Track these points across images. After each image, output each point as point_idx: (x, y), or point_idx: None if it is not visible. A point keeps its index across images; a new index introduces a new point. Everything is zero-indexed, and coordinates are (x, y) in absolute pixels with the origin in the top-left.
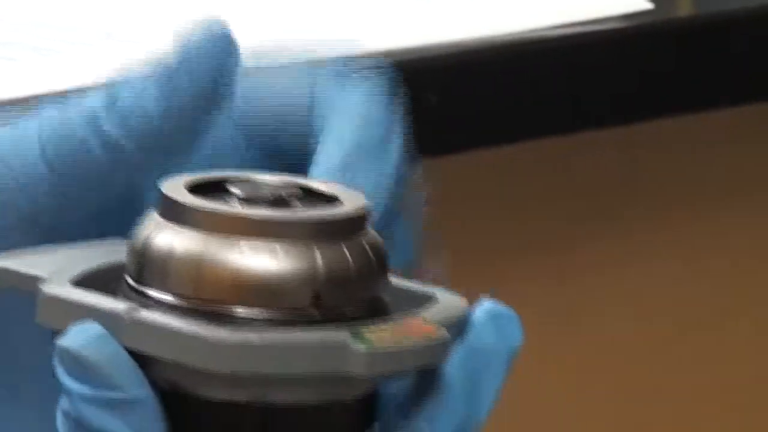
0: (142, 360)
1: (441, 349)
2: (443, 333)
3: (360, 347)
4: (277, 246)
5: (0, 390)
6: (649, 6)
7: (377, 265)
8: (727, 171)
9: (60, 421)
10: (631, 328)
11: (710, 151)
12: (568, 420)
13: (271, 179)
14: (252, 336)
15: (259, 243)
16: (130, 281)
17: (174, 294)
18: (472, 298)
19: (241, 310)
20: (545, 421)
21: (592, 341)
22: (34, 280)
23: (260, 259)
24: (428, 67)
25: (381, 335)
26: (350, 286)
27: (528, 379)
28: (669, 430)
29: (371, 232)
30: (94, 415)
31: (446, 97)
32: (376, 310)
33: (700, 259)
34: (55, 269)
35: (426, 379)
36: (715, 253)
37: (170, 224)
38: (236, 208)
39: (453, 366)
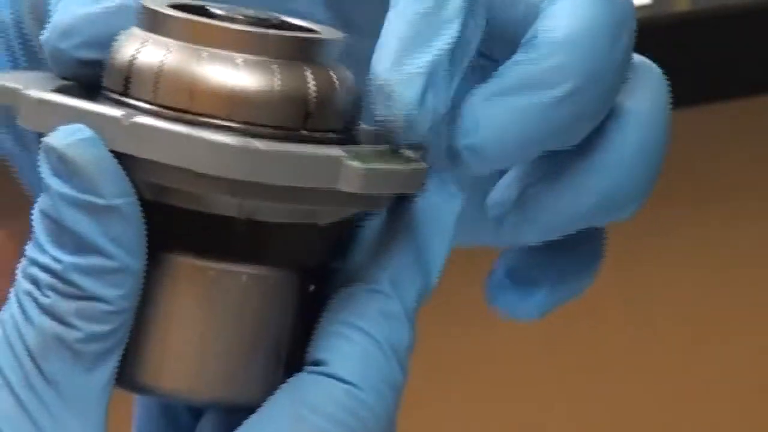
0: (127, 169)
1: (422, 177)
2: (423, 164)
3: (357, 164)
4: (273, 63)
5: None
6: (647, 1)
7: (357, 97)
8: (728, 166)
9: (36, 218)
10: (633, 329)
11: (711, 147)
12: (571, 419)
13: (246, 9)
14: (258, 143)
15: (254, 58)
16: (113, 94)
17: (162, 106)
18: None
19: (232, 124)
20: (547, 420)
21: (592, 341)
22: (12, 91)
23: (257, 75)
24: None
25: (372, 157)
26: (337, 111)
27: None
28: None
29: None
30: (72, 217)
31: None
32: (355, 140)
33: (706, 261)
34: (26, 84)
35: (391, 219)
36: (720, 253)
37: (161, 37)
38: (228, 23)
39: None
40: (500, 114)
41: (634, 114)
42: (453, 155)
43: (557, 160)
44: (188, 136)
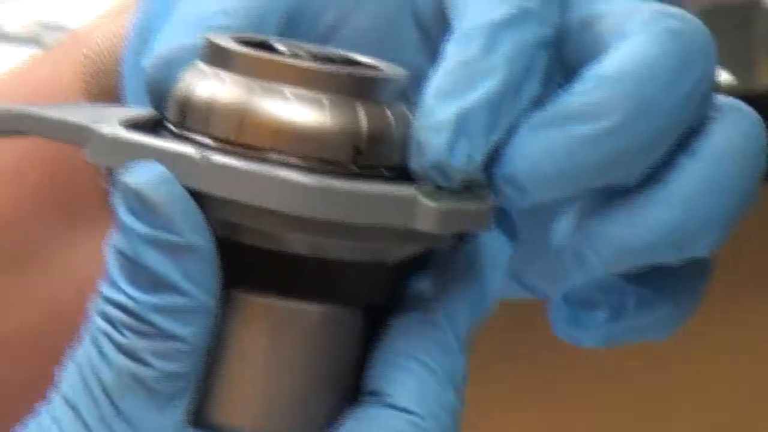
0: (200, 207)
1: (491, 214)
2: (491, 201)
3: (432, 204)
4: (324, 98)
5: None
6: (731, 79)
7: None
8: None
9: (110, 256)
10: None
11: None
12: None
13: (313, 46)
14: (335, 182)
15: (306, 93)
16: (171, 126)
17: (216, 140)
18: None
19: (283, 158)
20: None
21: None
22: (81, 129)
23: (308, 109)
24: None
25: (439, 195)
26: (390, 147)
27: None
28: None
29: (408, 104)
30: (149, 255)
31: None
32: (410, 177)
33: None
34: (91, 119)
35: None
36: None
37: (218, 70)
38: (284, 57)
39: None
40: (537, 145)
41: (703, 151)
42: (494, 190)
43: (620, 194)
44: (265, 176)
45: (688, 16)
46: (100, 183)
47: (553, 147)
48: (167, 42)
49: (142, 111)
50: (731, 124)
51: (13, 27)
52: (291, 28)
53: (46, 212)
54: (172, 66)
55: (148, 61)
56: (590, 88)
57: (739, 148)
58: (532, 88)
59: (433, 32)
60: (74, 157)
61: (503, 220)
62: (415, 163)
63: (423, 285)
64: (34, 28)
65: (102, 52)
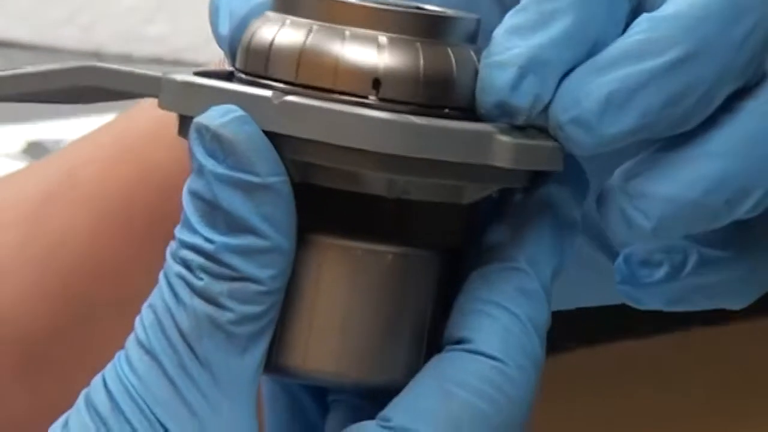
0: (276, 149)
1: (562, 154)
2: (557, 144)
3: (508, 139)
4: (416, 41)
5: None
6: None
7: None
8: None
9: (186, 199)
10: None
11: None
12: None
13: None
14: (414, 118)
15: (397, 37)
16: (250, 77)
17: (303, 85)
18: None
19: (376, 102)
20: None
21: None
22: (152, 79)
23: (401, 53)
24: None
25: (513, 133)
26: (452, 88)
27: None
28: None
29: (479, 49)
30: (226, 196)
31: None
32: (472, 118)
33: None
34: (163, 72)
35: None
36: None
37: (300, 18)
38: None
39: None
40: (602, 85)
41: (749, 106)
42: (557, 132)
43: (662, 149)
44: (343, 113)
45: None
46: None
47: (619, 85)
48: (239, 2)
49: (208, 68)
50: None
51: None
52: None
53: (151, 259)
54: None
55: (227, 24)
56: (648, 28)
57: None
58: (607, 32)
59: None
60: (180, 204)
61: (573, 166)
62: (480, 101)
63: (500, 231)
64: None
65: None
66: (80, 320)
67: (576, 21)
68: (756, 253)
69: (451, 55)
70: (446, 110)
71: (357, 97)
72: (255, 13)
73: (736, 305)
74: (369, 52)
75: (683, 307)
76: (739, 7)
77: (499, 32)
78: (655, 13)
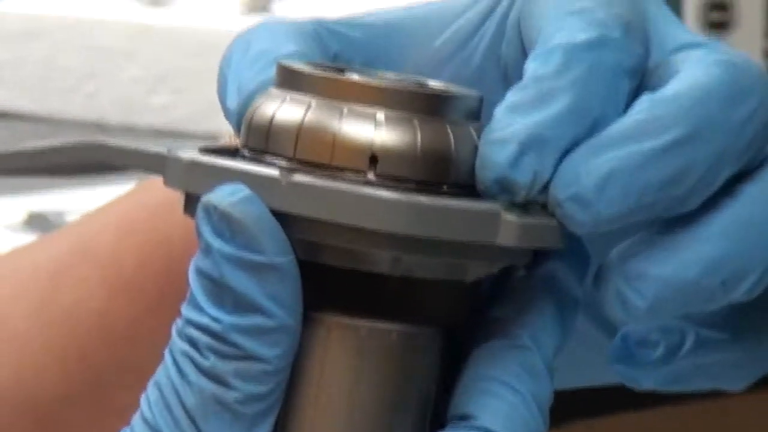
0: (283, 227)
1: (562, 234)
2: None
3: (514, 218)
4: (414, 118)
5: None
6: None
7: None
8: None
9: (193, 278)
10: None
11: None
12: None
13: (386, 72)
14: (421, 198)
15: (396, 114)
16: (251, 152)
17: (302, 161)
18: None
19: (376, 179)
20: None
21: None
22: (157, 156)
23: (399, 130)
24: None
25: (518, 211)
26: (450, 164)
27: None
28: None
29: (482, 125)
30: (234, 275)
31: None
32: (474, 195)
33: None
34: (169, 149)
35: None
36: None
37: (300, 95)
38: (352, 76)
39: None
40: (602, 164)
41: (747, 190)
42: (556, 209)
43: (660, 230)
44: (349, 193)
45: (742, 53)
46: None
47: (619, 164)
48: (246, 77)
49: (218, 143)
50: None
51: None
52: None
53: (163, 326)
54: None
55: (235, 99)
56: (648, 108)
57: None
58: (607, 110)
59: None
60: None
61: (575, 243)
62: (479, 178)
63: (503, 308)
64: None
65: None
66: (94, 387)
67: (576, 99)
68: (753, 335)
69: (450, 131)
70: (444, 187)
71: (354, 173)
72: (262, 89)
73: (734, 387)
74: (366, 128)
75: (680, 388)
76: (741, 89)
77: (499, 109)
78: (656, 94)
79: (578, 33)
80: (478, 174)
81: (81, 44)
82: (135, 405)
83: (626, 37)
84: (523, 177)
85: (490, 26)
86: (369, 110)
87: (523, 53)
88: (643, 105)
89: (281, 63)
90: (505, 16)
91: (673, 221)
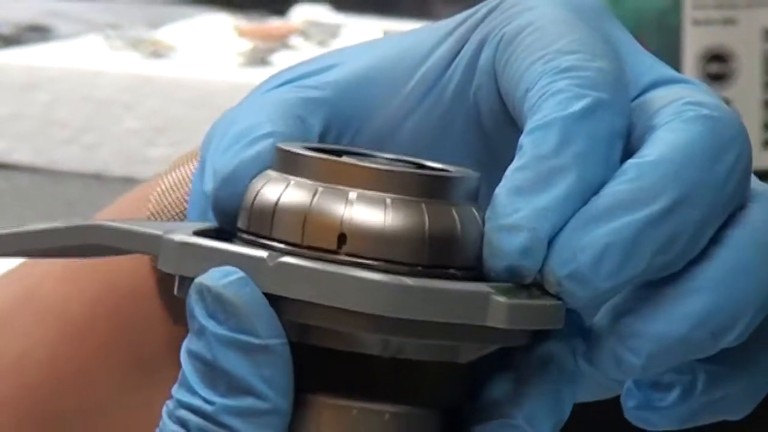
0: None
1: (561, 312)
2: (559, 300)
3: (504, 300)
4: (420, 203)
5: None
6: None
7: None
8: None
9: (185, 360)
10: None
11: None
12: None
13: (384, 154)
14: (408, 280)
15: (402, 198)
16: (254, 237)
17: (286, 243)
18: None
19: (371, 263)
20: None
21: None
22: (152, 238)
23: (404, 214)
24: None
25: (511, 293)
26: (457, 248)
27: None
28: None
29: (480, 207)
30: (227, 357)
31: None
32: (484, 277)
33: None
34: (161, 230)
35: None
36: None
37: (303, 179)
38: (350, 160)
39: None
40: (597, 238)
41: (731, 236)
42: (555, 288)
43: (650, 286)
44: (339, 275)
45: (715, 98)
46: (176, 338)
47: (612, 237)
48: (225, 160)
49: (210, 225)
50: (760, 207)
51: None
52: (333, 134)
53: (115, 367)
54: (235, 181)
55: (211, 182)
56: (636, 176)
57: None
58: (606, 178)
59: (493, 134)
60: (149, 313)
61: (573, 318)
62: (488, 265)
63: (500, 387)
64: None
65: (168, 190)
66: None
67: (580, 175)
68: (755, 366)
69: (455, 215)
70: (451, 270)
71: (362, 258)
72: (239, 172)
73: (737, 416)
74: (372, 215)
75: (690, 425)
76: (722, 144)
77: (502, 192)
78: (640, 160)
79: (572, 101)
80: (488, 261)
81: (80, 96)
82: None
83: (617, 96)
84: (533, 264)
85: (457, 70)
86: (377, 195)
87: (500, 101)
88: (631, 173)
89: (280, 146)
90: (474, 59)
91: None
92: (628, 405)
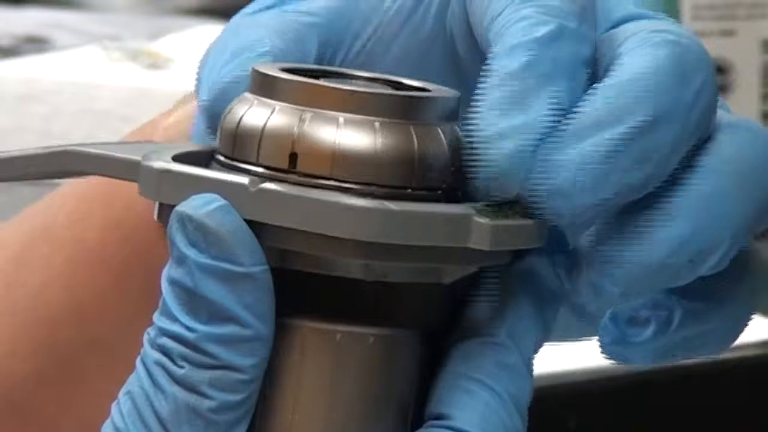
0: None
1: (543, 230)
2: (541, 220)
3: (485, 221)
4: (376, 122)
5: None
6: None
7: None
8: None
9: (165, 288)
10: None
11: None
12: None
13: (361, 73)
14: (390, 204)
15: (357, 117)
16: (221, 157)
17: (268, 168)
18: None
19: (339, 184)
20: None
21: None
22: (130, 163)
23: (361, 134)
24: (567, 392)
25: (491, 213)
26: (444, 169)
27: None
28: None
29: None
30: (208, 285)
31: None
32: (460, 197)
33: None
34: (142, 155)
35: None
36: None
37: (267, 99)
38: (332, 83)
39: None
40: (577, 154)
41: (704, 163)
42: (536, 205)
43: (626, 214)
44: (320, 201)
45: (684, 28)
46: None
47: (591, 152)
48: (220, 74)
49: (196, 146)
50: (729, 138)
51: None
52: (327, 56)
53: (130, 296)
54: (227, 96)
55: (206, 96)
56: (610, 96)
57: (739, 159)
58: (572, 102)
59: (465, 62)
60: (162, 237)
61: (554, 236)
62: (473, 179)
63: (481, 306)
64: None
65: (175, 123)
66: (65, 366)
67: (550, 97)
68: (731, 303)
69: (413, 133)
70: (409, 190)
71: (322, 179)
72: (235, 86)
73: (713, 353)
74: (328, 133)
75: (665, 362)
76: (688, 67)
77: (481, 107)
78: (612, 81)
79: (537, 27)
80: (471, 172)
81: (79, 108)
82: (108, 387)
83: (582, 25)
84: (521, 171)
85: None
86: (331, 115)
87: (468, 29)
88: (604, 93)
89: (254, 67)
90: None
91: (636, 203)
92: (604, 341)
